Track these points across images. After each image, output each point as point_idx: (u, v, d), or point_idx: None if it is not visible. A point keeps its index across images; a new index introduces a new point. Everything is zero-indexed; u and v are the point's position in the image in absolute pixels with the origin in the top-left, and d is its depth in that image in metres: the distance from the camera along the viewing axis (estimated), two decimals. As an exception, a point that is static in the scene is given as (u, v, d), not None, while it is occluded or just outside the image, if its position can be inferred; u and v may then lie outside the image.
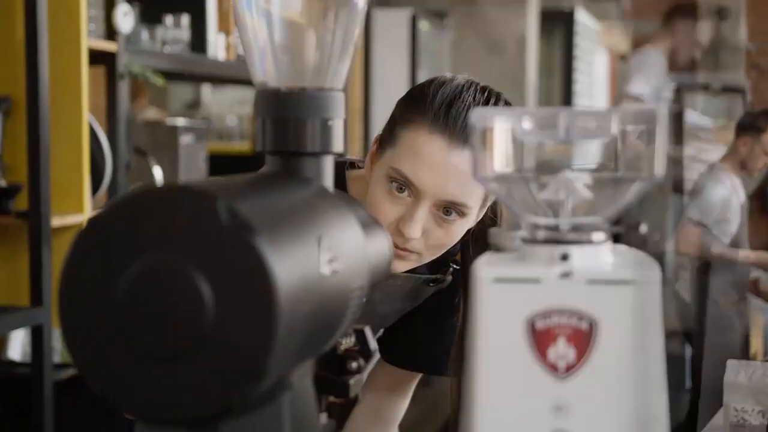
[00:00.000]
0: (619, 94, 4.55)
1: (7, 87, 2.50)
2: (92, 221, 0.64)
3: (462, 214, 1.27)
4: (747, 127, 4.21)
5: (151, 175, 3.03)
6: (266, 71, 0.83)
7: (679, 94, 4.73)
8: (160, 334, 0.62)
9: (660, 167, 0.69)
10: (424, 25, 5.12)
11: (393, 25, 5.12)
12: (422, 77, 6.63)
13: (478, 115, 0.72)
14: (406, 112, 1.29)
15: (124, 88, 2.79)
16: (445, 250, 1.33)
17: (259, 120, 0.82)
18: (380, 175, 1.29)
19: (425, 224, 1.27)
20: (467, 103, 1.27)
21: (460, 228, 1.30)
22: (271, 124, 0.81)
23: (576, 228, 0.72)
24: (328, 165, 0.83)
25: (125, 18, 2.75)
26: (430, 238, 1.29)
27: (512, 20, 5.76)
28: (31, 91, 2.42)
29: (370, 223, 0.87)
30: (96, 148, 2.66)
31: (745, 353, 4.23)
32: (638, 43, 10.29)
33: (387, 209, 1.27)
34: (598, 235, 0.72)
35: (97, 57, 2.74)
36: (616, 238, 0.71)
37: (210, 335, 0.61)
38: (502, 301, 0.69)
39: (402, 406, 1.53)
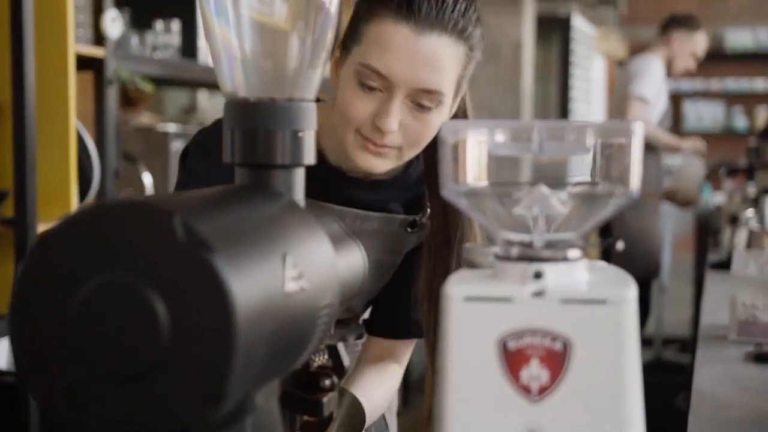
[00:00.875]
0: (620, 95, 4.58)
1: (-6, 92, 2.48)
2: (47, 235, 0.61)
3: (437, 102, 1.25)
4: (679, 23, 4.52)
5: (141, 182, 3.01)
6: (235, 81, 0.81)
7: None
8: (115, 354, 0.60)
9: (636, 183, 0.67)
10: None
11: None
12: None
13: (449, 128, 0.69)
14: (369, 6, 1.26)
15: (112, 94, 2.77)
16: (423, 146, 1.30)
17: (228, 131, 0.80)
18: (348, 75, 1.27)
19: (401, 118, 1.25)
20: None
21: (436, 119, 1.27)
22: (240, 135, 0.79)
23: (551, 244, 0.70)
24: (299, 177, 0.81)
25: (113, 24, 2.72)
26: (408, 132, 1.26)
27: (508, 26, 5.74)
28: (18, 97, 2.39)
29: (342, 237, 0.85)
30: (84, 154, 2.64)
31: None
32: (635, 49, 10.30)
33: (360, 107, 1.25)
34: (573, 252, 0.70)
35: (85, 62, 2.71)
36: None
37: (166, 356, 0.59)
38: (473, 321, 0.67)
39: (398, 372, 1.48)
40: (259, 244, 0.65)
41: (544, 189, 0.70)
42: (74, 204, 2.59)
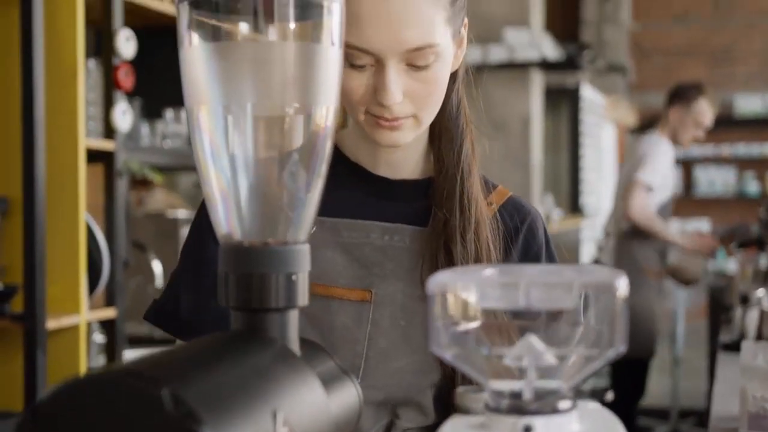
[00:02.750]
0: (626, 176, 4.58)
1: (4, 187, 2.50)
2: (36, 408, 0.62)
3: (434, 56, 1.16)
4: (676, 98, 4.54)
5: (151, 270, 3.02)
6: (230, 224, 0.82)
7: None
8: None
9: (621, 339, 0.68)
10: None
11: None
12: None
13: (436, 282, 0.70)
14: None
15: (122, 186, 2.80)
16: (440, 103, 1.21)
17: (222, 274, 0.81)
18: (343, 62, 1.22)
19: (403, 84, 1.16)
20: None
21: (440, 72, 1.18)
22: (234, 279, 0.80)
23: (540, 395, 0.70)
24: (293, 320, 0.81)
25: (124, 116, 2.76)
26: (415, 96, 1.18)
27: (515, 100, 5.79)
28: (28, 192, 2.42)
29: (336, 376, 0.85)
30: (93, 246, 2.66)
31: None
32: (645, 116, 10.36)
33: (355, 86, 1.16)
34: (564, 404, 0.70)
35: (95, 155, 2.75)
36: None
37: None
38: (463, 476, 0.67)
39: None
40: (249, 405, 0.66)
41: (533, 340, 0.71)
42: (84, 298, 2.60)
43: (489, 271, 0.73)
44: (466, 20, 1.25)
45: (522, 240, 1.32)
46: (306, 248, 0.82)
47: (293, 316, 0.81)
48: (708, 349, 5.44)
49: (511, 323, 0.72)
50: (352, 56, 1.15)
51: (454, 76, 1.29)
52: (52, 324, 2.47)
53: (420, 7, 1.14)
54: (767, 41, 10.21)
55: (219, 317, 1.17)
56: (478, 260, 1.26)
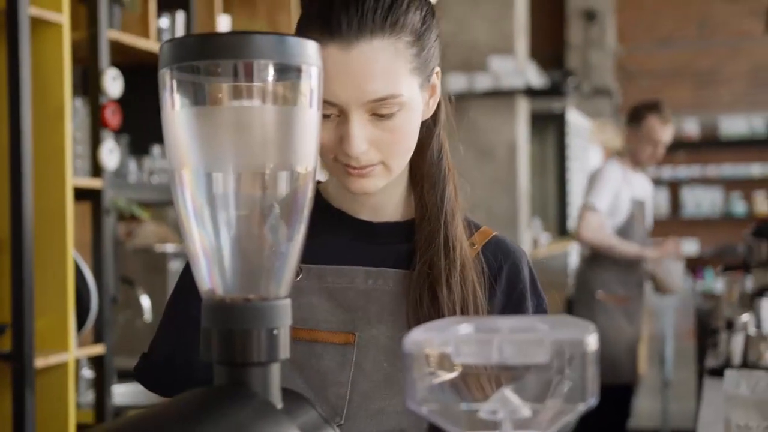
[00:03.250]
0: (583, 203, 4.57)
1: (-8, 227, 2.52)
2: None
3: (397, 106, 1.18)
4: (630, 119, 4.54)
5: (139, 305, 3.03)
6: (212, 281, 0.84)
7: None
8: None
9: (592, 392, 0.70)
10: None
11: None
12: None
13: (411, 341, 0.72)
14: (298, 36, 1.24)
15: (109, 223, 2.81)
16: (410, 150, 1.23)
17: (205, 329, 0.83)
18: None
19: (368, 134, 1.18)
20: None
21: (406, 121, 1.20)
22: (217, 334, 0.82)
23: (516, 448, 0.72)
24: (275, 373, 0.83)
25: (111, 155, 2.78)
26: (381, 145, 1.19)
27: (502, 127, 5.83)
28: (16, 231, 2.44)
29: (317, 426, 0.87)
30: (81, 284, 2.67)
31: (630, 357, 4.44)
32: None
33: (325, 138, 1.18)
34: (538, 456, 0.72)
35: (83, 193, 2.76)
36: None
37: None
38: None
39: None
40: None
41: (508, 393, 0.73)
42: (72, 336, 2.61)
43: (464, 327, 0.75)
44: (437, 69, 1.27)
45: (505, 280, 1.34)
46: (287, 303, 0.84)
47: (275, 370, 0.83)
48: (696, 370, 5.47)
49: (487, 377, 0.75)
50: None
51: (435, 121, 1.31)
52: (40, 362, 2.48)
53: (381, 61, 1.16)
54: (751, 63, 10.30)
55: (204, 374, 1.19)
56: (464, 303, 1.28)
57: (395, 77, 1.17)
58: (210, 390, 0.80)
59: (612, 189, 4.42)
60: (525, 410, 0.72)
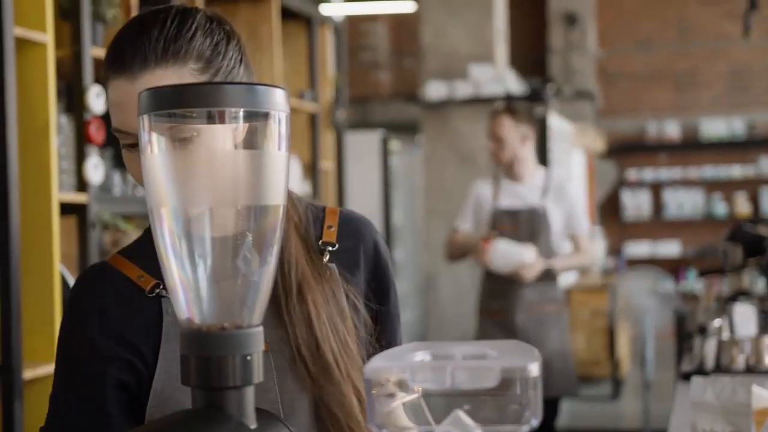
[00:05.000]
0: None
1: (-21, 242, 2.57)
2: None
3: (197, 132, 1.18)
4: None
5: (125, 316, 3.08)
6: (190, 311, 0.91)
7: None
8: None
9: (536, 414, 0.77)
10: (395, 144, 5.25)
11: (365, 146, 5.24)
12: (395, 194, 6.77)
13: (372, 368, 0.79)
14: (103, 80, 1.27)
15: (94, 237, 2.87)
16: None
17: (183, 356, 0.90)
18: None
19: None
20: (141, 25, 1.24)
21: (209, 146, 1.20)
22: (195, 361, 0.89)
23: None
24: (249, 395, 0.90)
25: (96, 170, 2.84)
26: None
27: (483, 134, 5.89)
28: (3, 246, 2.49)
29: (292, 445, 0.94)
30: (67, 297, 2.72)
31: None
32: (613, 141, 10.53)
33: (134, 168, 1.23)
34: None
35: (68, 208, 2.82)
36: None
37: None
38: None
39: None
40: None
41: (461, 414, 0.80)
42: (59, 347, 2.66)
43: (420, 355, 0.82)
44: None
45: (365, 254, 1.39)
46: (260, 330, 0.91)
47: (249, 392, 0.90)
48: (675, 374, 5.55)
49: (440, 399, 0.81)
50: (121, 138, 1.24)
51: None
52: (28, 374, 2.54)
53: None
54: (730, 66, 10.42)
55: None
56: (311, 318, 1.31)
57: None
58: (188, 413, 0.87)
59: (468, 207, 4.29)
60: (477, 431, 0.79)
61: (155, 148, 0.89)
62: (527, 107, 4.46)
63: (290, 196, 1.34)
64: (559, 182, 4.44)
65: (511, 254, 4.13)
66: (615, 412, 6.91)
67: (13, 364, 2.48)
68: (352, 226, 1.40)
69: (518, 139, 4.24)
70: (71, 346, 1.31)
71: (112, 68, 1.23)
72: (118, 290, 1.32)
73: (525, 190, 4.34)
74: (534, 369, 0.76)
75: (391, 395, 0.80)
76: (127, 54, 1.22)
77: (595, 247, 9.28)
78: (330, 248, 1.35)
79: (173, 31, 1.23)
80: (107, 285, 1.33)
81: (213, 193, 0.89)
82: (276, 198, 0.91)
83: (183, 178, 0.89)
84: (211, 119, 0.89)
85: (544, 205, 4.30)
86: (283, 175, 0.91)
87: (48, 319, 2.64)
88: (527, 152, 4.33)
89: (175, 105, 0.88)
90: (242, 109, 0.88)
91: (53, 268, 2.64)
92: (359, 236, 1.39)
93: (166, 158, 0.89)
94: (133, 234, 3.76)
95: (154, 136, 0.89)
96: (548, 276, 4.27)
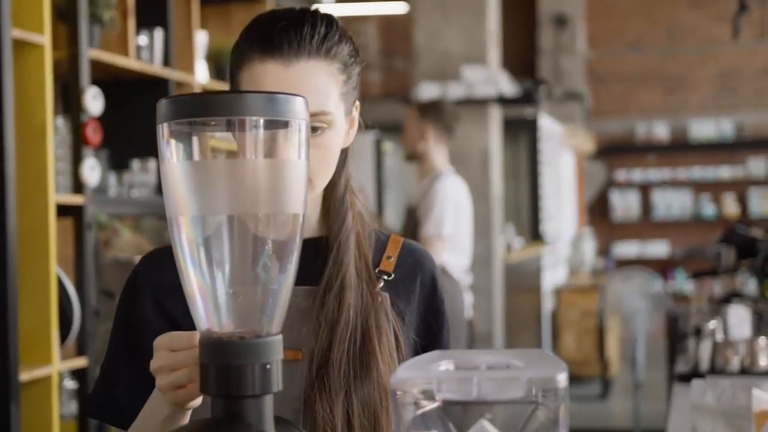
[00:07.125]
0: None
1: (-24, 244, 2.56)
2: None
3: (327, 123, 1.26)
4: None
5: (120, 318, 3.07)
6: (209, 320, 0.90)
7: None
8: None
9: (564, 425, 0.77)
10: (387, 146, 5.24)
11: (358, 147, 5.22)
12: (388, 196, 6.77)
13: (398, 379, 0.79)
14: (238, 55, 1.28)
15: (91, 238, 2.86)
16: (332, 171, 1.29)
17: (203, 365, 0.89)
18: None
19: None
20: (291, 18, 1.27)
21: (332, 140, 1.28)
22: (214, 369, 0.89)
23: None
24: (268, 404, 0.90)
25: (92, 172, 2.83)
26: (309, 160, 1.25)
27: (475, 134, 5.90)
28: (0, 247, 2.48)
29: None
30: (64, 298, 2.72)
31: None
32: (602, 142, 10.55)
33: None
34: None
35: (65, 209, 2.81)
36: None
37: None
38: None
39: None
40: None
41: (486, 424, 0.80)
42: (55, 348, 2.65)
43: (444, 364, 0.82)
44: (357, 103, 1.35)
45: (421, 287, 1.39)
46: (279, 338, 0.91)
47: (268, 401, 0.90)
48: (667, 373, 5.56)
49: (466, 409, 0.81)
50: None
51: (345, 155, 1.36)
52: (24, 376, 2.53)
53: (317, 79, 1.25)
54: (719, 68, 10.45)
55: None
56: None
57: (327, 96, 1.26)
58: (208, 422, 0.87)
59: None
60: (501, 442, 0.79)
61: (173, 156, 0.89)
62: (447, 110, 4.40)
63: (358, 221, 1.36)
64: (430, 185, 4.28)
65: None
66: (604, 412, 6.93)
67: (10, 365, 2.47)
68: (412, 258, 1.40)
69: (418, 134, 4.22)
70: (126, 317, 1.33)
71: (263, 52, 1.24)
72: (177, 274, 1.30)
73: (419, 189, 4.32)
74: (562, 379, 0.76)
75: (416, 406, 0.80)
76: (283, 41, 1.24)
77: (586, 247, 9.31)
78: (386, 277, 1.36)
79: (323, 30, 1.27)
80: (166, 266, 1.32)
81: (231, 201, 0.89)
82: (296, 206, 0.90)
83: (201, 186, 0.88)
84: (231, 128, 0.89)
85: (417, 205, 4.25)
86: (303, 183, 0.91)
87: (44, 320, 2.63)
88: (429, 150, 4.25)
89: (195, 114, 0.88)
90: (263, 118, 0.88)
91: (50, 270, 2.63)
92: (418, 268, 1.40)
93: (185, 166, 0.89)
94: (126, 234, 3.74)
95: (173, 143, 0.89)
96: None
